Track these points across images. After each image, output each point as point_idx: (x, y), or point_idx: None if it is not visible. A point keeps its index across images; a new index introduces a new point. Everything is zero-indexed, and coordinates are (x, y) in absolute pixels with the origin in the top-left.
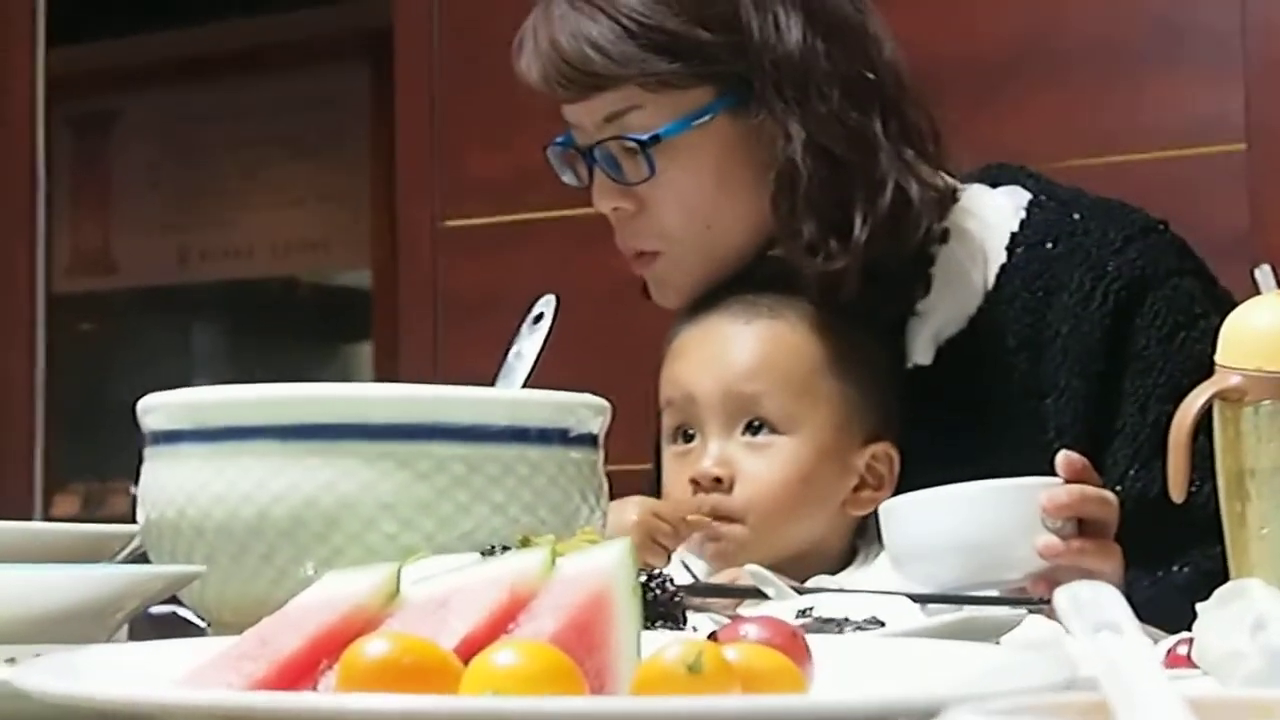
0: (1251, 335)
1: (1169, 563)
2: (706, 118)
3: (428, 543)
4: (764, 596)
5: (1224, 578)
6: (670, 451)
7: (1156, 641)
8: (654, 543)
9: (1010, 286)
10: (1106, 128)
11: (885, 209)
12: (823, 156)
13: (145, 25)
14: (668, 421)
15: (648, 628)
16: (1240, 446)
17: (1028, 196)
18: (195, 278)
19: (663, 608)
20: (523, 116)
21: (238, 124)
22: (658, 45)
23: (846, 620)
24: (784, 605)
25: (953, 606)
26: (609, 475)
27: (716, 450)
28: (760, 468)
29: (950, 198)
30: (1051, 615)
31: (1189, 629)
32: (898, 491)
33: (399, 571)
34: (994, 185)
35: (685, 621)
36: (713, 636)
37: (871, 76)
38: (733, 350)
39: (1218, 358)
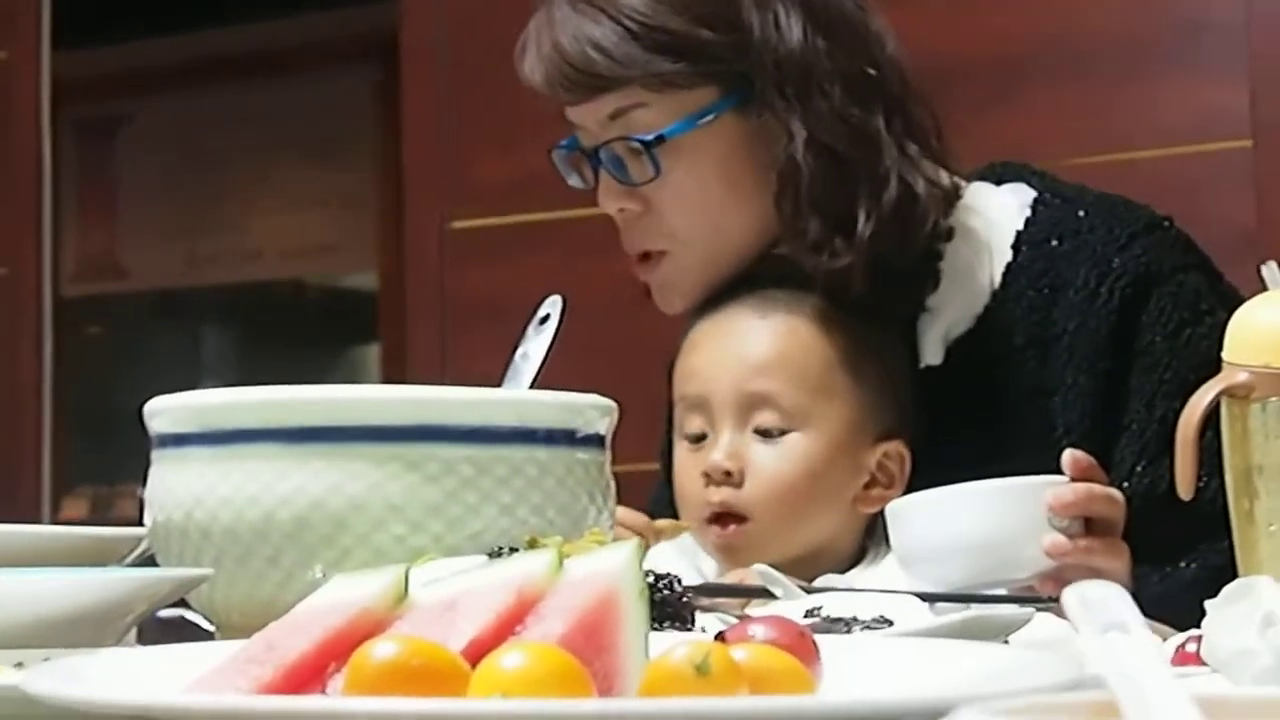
0: (1259, 332)
1: (1177, 559)
2: (710, 117)
3: (436, 544)
4: (772, 596)
5: (1232, 573)
6: (682, 445)
7: (1165, 639)
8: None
9: (1016, 285)
10: (1113, 125)
11: (890, 205)
12: (825, 154)
13: (152, 30)
14: (680, 415)
15: (656, 628)
16: (1248, 443)
17: (1032, 194)
18: (203, 281)
19: (671, 608)
20: (529, 119)
21: (245, 128)
22: (660, 45)
23: (854, 620)
24: (792, 605)
25: (961, 606)
26: (616, 476)
27: (727, 444)
28: (771, 462)
29: (954, 195)
30: (1060, 614)
31: (1198, 625)
32: (907, 490)
33: (407, 574)
34: (998, 183)
35: (693, 622)
36: (720, 637)
37: (873, 73)
38: (747, 344)
39: (1225, 354)
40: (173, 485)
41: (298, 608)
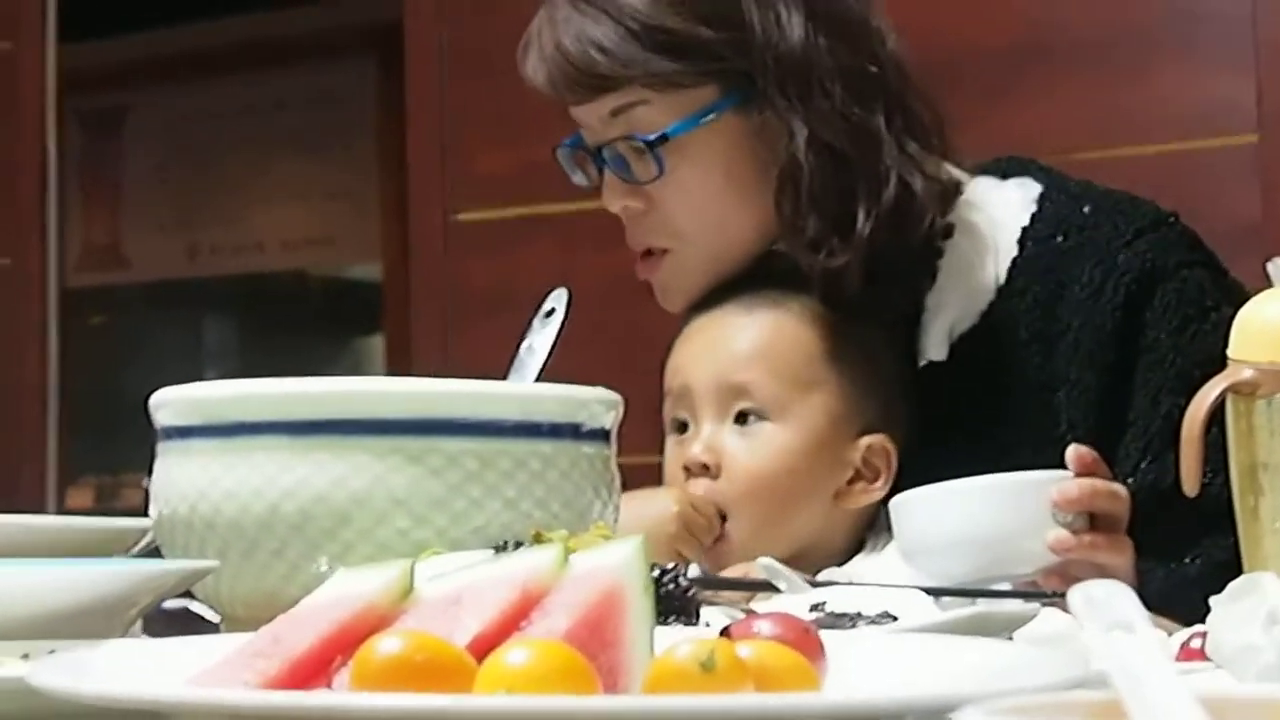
0: (1264, 328)
1: (1182, 554)
2: (713, 115)
3: (440, 538)
4: (776, 590)
5: (1237, 568)
6: (669, 439)
7: (1170, 634)
8: (690, 535)
9: (1021, 280)
10: (1119, 119)
11: (888, 204)
12: (825, 153)
13: (157, 21)
14: (667, 409)
15: (661, 623)
16: (1253, 440)
17: (1038, 189)
18: (206, 272)
19: (676, 602)
20: (533, 111)
21: (248, 119)
22: (661, 45)
23: (859, 615)
24: (796, 599)
25: (966, 600)
26: (622, 468)
27: (706, 436)
28: (747, 454)
29: (954, 191)
30: (1064, 609)
31: (1203, 620)
32: (910, 485)
33: (412, 569)
34: (1004, 177)
35: (699, 616)
36: (726, 632)
37: (874, 70)
38: (729, 339)
39: (1230, 351)
40: (177, 478)
41: (303, 602)
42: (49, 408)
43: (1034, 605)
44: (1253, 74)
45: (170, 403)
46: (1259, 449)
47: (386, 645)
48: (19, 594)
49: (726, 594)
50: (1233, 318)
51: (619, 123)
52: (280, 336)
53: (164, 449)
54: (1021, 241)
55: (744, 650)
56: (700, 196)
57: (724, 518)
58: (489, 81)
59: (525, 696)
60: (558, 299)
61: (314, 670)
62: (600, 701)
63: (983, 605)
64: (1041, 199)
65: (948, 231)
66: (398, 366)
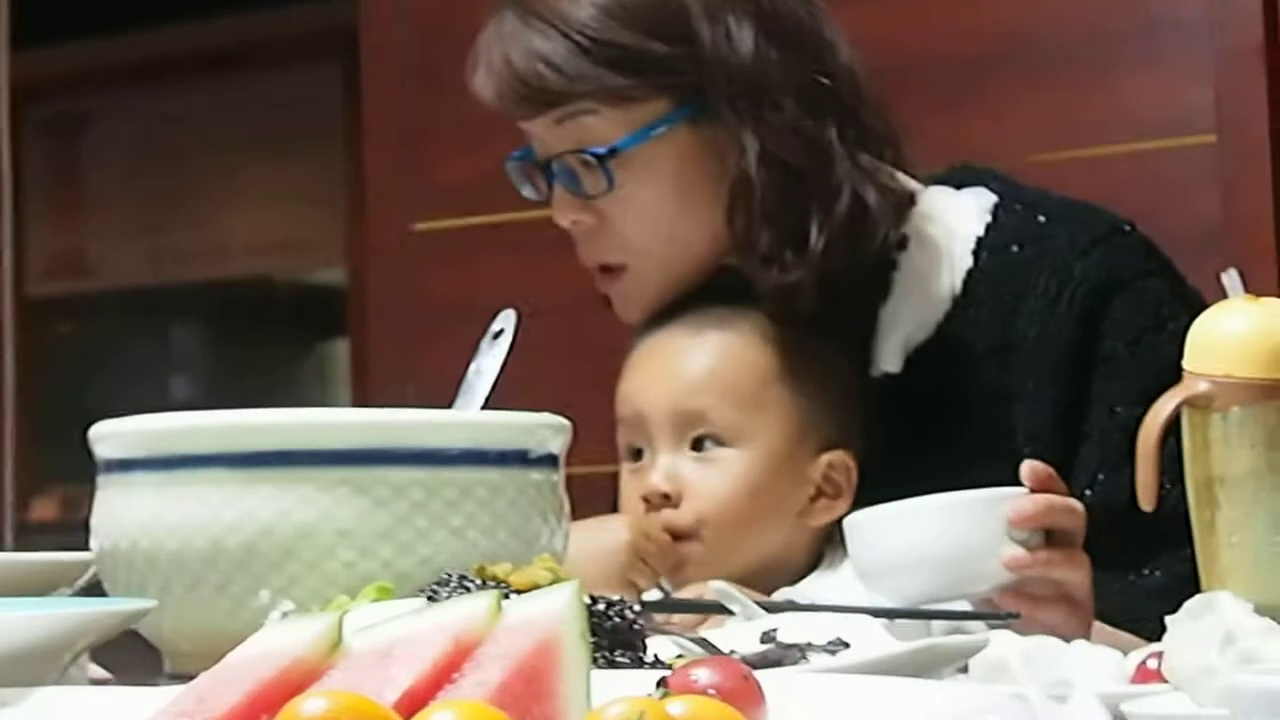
0: (1220, 341)
1: (1139, 567)
2: (663, 129)
3: (385, 570)
4: (728, 612)
5: (1194, 580)
6: (624, 469)
7: (1127, 651)
8: (643, 564)
9: (978, 292)
10: (1078, 121)
11: (842, 218)
12: (777, 167)
13: (116, 26)
14: (621, 438)
15: (607, 656)
16: (1209, 454)
17: (993, 199)
18: (171, 278)
19: (622, 636)
20: (493, 119)
21: (210, 125)
22: (611, 60)
23: (810, 645)
24: (748, 627)
25: (921, 624)
26: (582, 478)
27: (665, 466)
28: (708, 482)
29: (908, 202)
30: (1018, 630)
31: (1160, 633)
32: (867, 502)
33: (340, 621)
34: (958, 187)
35: (645, 648)
36: (663, 682)
37: (826, 83)
38: (679, 364)
39: (1185, 364)
40: (119, 512)
41: (229, 657)
42: (6, 418)
43: (984, 636)
44: (1212, 76)
45: (111, 435)
46: (1215, 463)
47: (309, 706)
48: None
49: (679, 619)
50: (1189, 328)
51: (567, 134)
52: (247, 342)
53: (105, 482)
54: (976, 252)
55: (677, 708)
56: (651, 211)
57: (685, 539)
58: (449, 90)
59: None
60: (506, 320)
61: None
62: None
63: (934, 641)
64: (996, 209)
65: (902, 243)
66: (363, 371)
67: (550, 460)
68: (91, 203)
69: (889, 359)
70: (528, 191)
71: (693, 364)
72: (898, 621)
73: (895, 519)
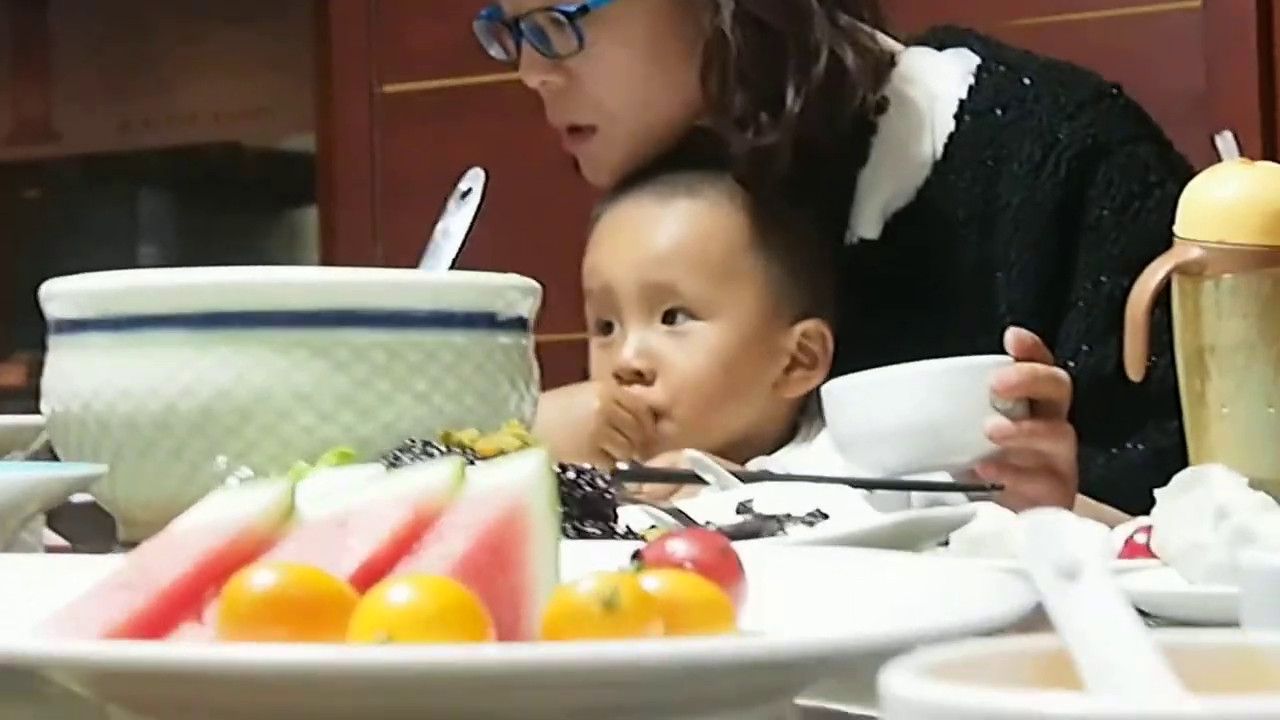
0: (1212, 206)
1: (1124, 440)
2: None
3: (346, 435)
4: (702, 482)
5: (1181, 453)
6: (594, 342)
7: (1113, 524)
8: (616, 431)
9: (959, 156)
10: None
11: (819, 79)
12: (753, 26)
13: None
14: (589, 312)
15: (578, 526)
16: (1200, 322)
17: (976, 61)
18: (139, 144)
19: (592, 505)
20: None
21: None
22: None
23: (789, 516)
24: (722, 497)
25: (900, 494)
26: (553, 345)
27: (636, 341)
28: (681, 357)
29: (888, 64)
30: (1001, 502)
31: (1145, 508)
32: (844, 371)
33: (293, 489)
34: (940, 48)
35: (616, 518)
36: (637, 555)
37: None
38: (647, 235)
39: (1177, 229)
40: (70, 374)
41: (175, 524)
42: None
43: (969, 508)
44: None
45: (62, 294)
46: (1205, 331)
47: (259, 579)
48: None
49: (650, 489)
50: (1178, 195)
51: None
52: (214, 208)
53: (55, 343)
54: (958, 116)
55: (652, 583)
56: (622, 71)
57: (659, 416)
58: None
59: (397, 648)
60: (474, 178)
61: (183, 603)
62: (480, 653)
63: (916, 512)
64: (979, 71)
65: (881, 106)
66: (330, 239)
67: (519, 323)
68: (58, 69)
69: (867, 225)
70: (496, 51)
71: (661, 235)
72: (876, 495)
73: (874, 388)
